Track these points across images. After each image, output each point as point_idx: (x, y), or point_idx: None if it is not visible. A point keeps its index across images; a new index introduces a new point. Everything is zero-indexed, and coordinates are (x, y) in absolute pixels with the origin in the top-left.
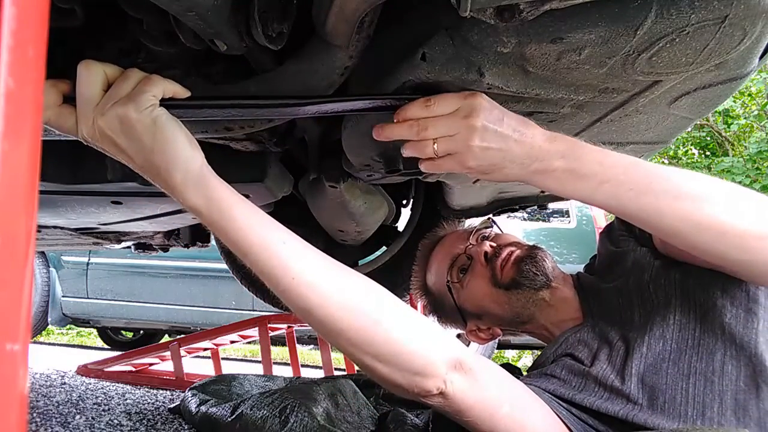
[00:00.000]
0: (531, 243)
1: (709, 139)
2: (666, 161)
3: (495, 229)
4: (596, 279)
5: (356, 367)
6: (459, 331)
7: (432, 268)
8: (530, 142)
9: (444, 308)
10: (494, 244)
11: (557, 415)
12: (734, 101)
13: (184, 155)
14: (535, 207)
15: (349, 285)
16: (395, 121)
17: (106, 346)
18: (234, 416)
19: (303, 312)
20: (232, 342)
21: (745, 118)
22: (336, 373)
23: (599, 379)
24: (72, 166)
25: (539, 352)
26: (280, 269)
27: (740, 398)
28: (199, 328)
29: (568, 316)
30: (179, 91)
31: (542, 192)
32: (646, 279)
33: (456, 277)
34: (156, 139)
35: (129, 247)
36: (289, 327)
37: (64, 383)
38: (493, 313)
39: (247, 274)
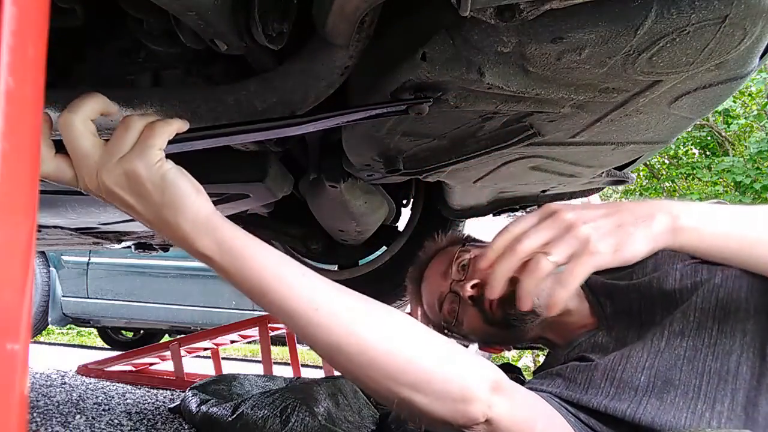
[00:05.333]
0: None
1: (709, 138)
2: (666, 161)
3: (465, 255)
4: (610, 278)
5: None
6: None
7: (425, 304)
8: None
9: (450, 335)
10: (477, 282)
11: (568, 423)
12: (734, 101)
13: (192, 206)
14: (536, 207)
15: (376, 312)
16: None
17: (106, 346)
18: (235, 416)
19: (329, 347)
20: (232, 342)
21: (745, 117)
22: (336, 373)
23: (607, 370)
24: None
25: (539, 352)
26: (302, 301)
27: (752, 395)
28: (199, 328)
29: (581, 323)
30: (181, 127)
31: (543, 191)
32: (671, 282)
33: (450, 318)
34: (165, 195)
35: (129, 247)
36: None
37: (65, 383)
38: (497, 341)
39: None
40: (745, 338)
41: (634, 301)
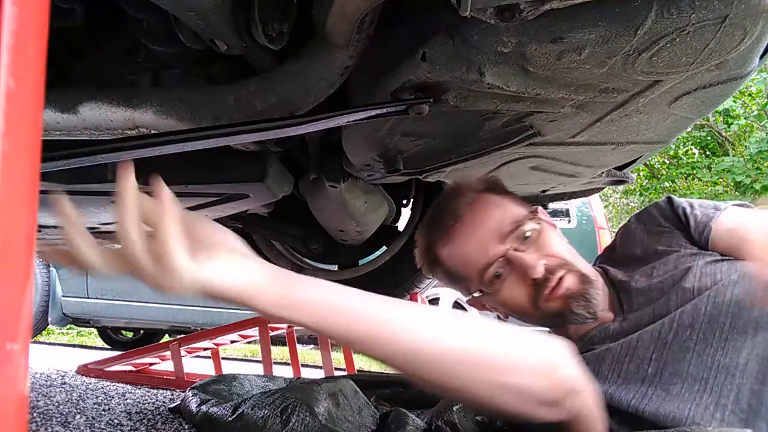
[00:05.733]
0: (581, 266)
1: (709, 138)
2: (666, 161)
3: (532, 225)
4: (627, 275)
5: (356, 367)
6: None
7: (459, 253)
8: None
9: (457, 284)
10: (547, 264)
11: None
12: (734, 101)
13: (232, 287)
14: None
15: (438, 314)
16: None
17: (106, 346)
18: (235, 416)
19: (406, 358)
20: (232, 342)
21: (745, 117)
22: (336, 373)
23: (614, 361)
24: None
25: None
26: (366, 323)
27: (756, 388)
28: (199, 328)
29: (601, 317)
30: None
31: (543, 191)
32: (690, 280)
33: (491, 285)
34: (206, 291)
35: None
36: (289, 327)
37: (65, 383)
38: (523, 319)
39: None
40: (756, 337)
41: (653, 298)
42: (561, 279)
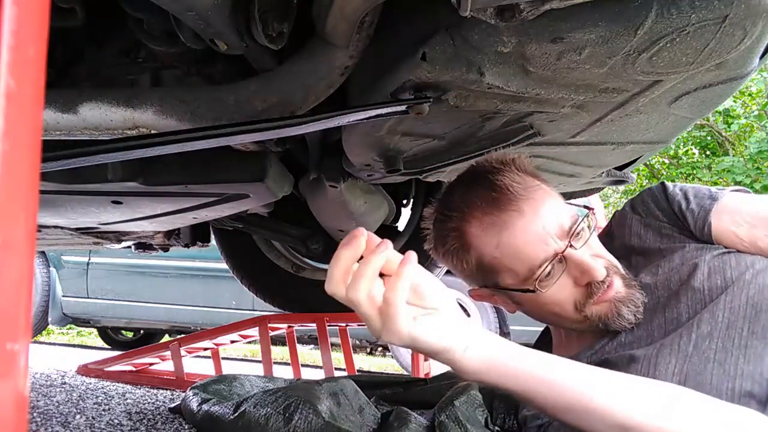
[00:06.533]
0: (621, 267)
1: (709, 138)
2: (666, 161)
3: (585, 224)
4: (637, 272)
5: (356, 368)
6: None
7: (504, 241)
8: None
9: (485, 275)
10: (607, 266)
11: None
12: (734, 101)
13: (444, 352)
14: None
15: (648, 389)
16: None
17: (106, 346)
18: (236, 414)
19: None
20: (232, 342)
21: (745, 117)
22: (336, 373)
23: (638, 372)
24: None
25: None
26: (574, 395)
27: None
28: (199, 328)
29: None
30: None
31: None
32: (699, 277)
33: (540, 281)
34: (420, 349)
35: (129, 247)
36: (289, 327)
37: (65, 383)
38: (550, 318)
39: (248, 273)
40: None
41: (661, 297)
42: (611, 282)
